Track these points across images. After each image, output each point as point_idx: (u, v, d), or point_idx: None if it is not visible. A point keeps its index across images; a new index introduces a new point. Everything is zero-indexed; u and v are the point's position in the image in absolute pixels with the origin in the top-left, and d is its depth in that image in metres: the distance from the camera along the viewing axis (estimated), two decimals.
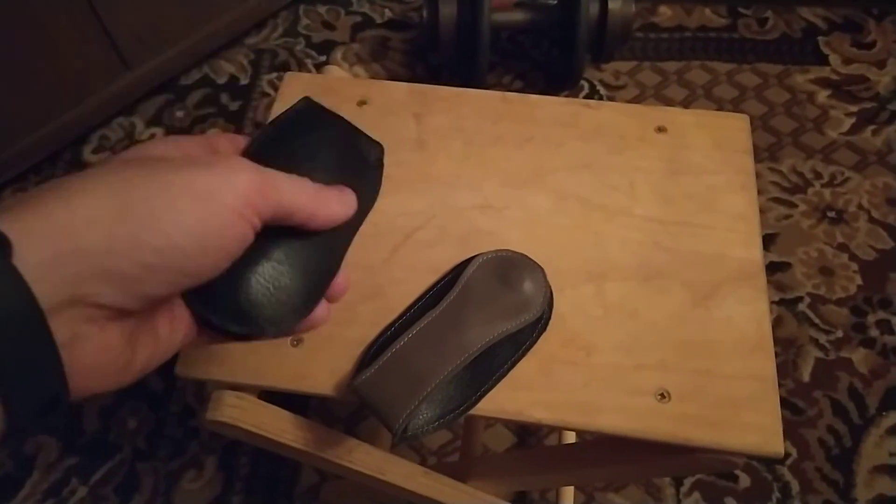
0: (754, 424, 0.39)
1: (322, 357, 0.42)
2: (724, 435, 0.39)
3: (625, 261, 0.45)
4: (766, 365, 0.41)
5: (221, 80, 1.23)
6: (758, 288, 0.44)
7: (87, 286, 0.25)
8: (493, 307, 0.41)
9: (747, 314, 0.43)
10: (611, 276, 0.45)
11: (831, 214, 1.03)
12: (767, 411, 0.39)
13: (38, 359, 0.24)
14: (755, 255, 0.45)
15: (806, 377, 0.89)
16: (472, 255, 0.44)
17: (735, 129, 0.52)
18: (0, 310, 0.22)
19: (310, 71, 1.23)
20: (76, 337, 0.25)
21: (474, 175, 0.49)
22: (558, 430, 0.76)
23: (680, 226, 0.47)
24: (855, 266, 0.98)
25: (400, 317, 0.43)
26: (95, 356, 0.27)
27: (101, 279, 0.25)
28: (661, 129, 0.51)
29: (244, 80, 1.23)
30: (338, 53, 1.26)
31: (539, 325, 0.42)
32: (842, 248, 0.99)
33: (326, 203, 0.34)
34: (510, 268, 0.43)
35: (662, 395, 0.40)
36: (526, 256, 0.43)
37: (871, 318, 0.93)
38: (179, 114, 1.19)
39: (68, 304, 0.24)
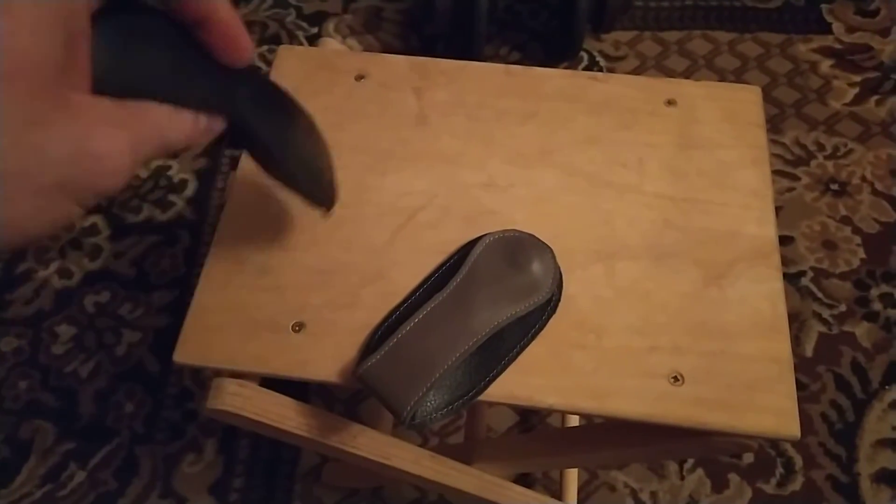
0: (770, 407, 0.38)
1: (324, 343, 0.41)
2: (739, 418, 0.38)
3: (635, 240, 0.44)
4: (782, 346, 0.40)
5: None
6: (772, 266, 0.43)
7: None
8: (500, 289, 0.40)
9: (762, 293, 0.42)
10: (621, 256, 0.43)
11: (834, 187, 1.02)
12: (783, 393, 0.39)
13: None
14: (769, 232, 0.44)
15: (809, 352, 0.88)
16: (478, 235, 0.43)
17: (746, 101, 0.50)
18: None
19: (301, 43, 1.20)
20: None
21: (478, 152, 0.48)
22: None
23: (691, 202, 0.45)
24: (858, 239, 0.97)
25: (404, 300, 0.41)
26: None
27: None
28: (670, 103, 0.50)
29: None
30: (330, 25, 1.23)
31: (548, 307, 0.41)
32: (845, 220, 0.98)
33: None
34: (518, 248, 0.41)
35: (676, 378, 0.39)
36: (534, 236, 0.42)
37: (874, 292, 0.92)
38: None
39: None
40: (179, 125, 0.27)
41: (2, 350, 0.92)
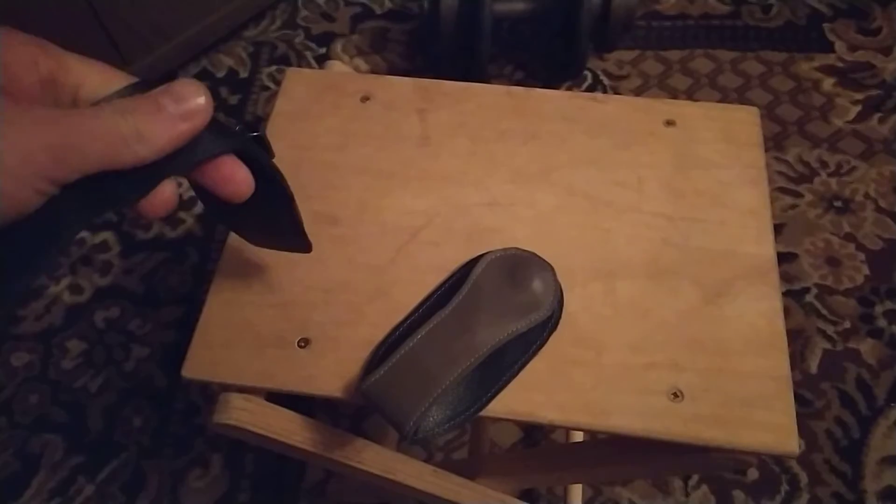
0: (768, 423, 0.39)
1: (329, 358, 0.41)
2: (737, 434, 0.38)
3: (634, 258, 0.45)
4: (780, 363, 0.40)
5: (220, 74, 1.21)
6: (770, 284, 0.43)
7: None
8: (502, 307, 0.41)
9: (760, 311, 0.42)
10: (620, 274, 0.44)
11: (838, 204, 1.02)
12: (781, 410, 0.39)
13: None
14: (767, 250, 0.45)
15: (814, 369, 0.88)
16: (479, 253, 0.44)
17: (744, 121, 0.51)
18: None
19: (310, 64, 1.22)
20: None
21: (480, 172, 0.49)
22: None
23: (690, 222, 0.46)
24: (862, 256, 0.97)
25: (407, 317, 0.42)
26: None
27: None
28: (669, 123, 0.51)
29: (243, 74, 1.21)
30: (337, 45, 1.25)
31: (549, 324, 0.41)
32: (848, 237, 0.99)
33: (155, 137, 0.27)
34: (519, 266, 0.42)
35: (675, 395, 0.40)
36: (535, 254, 0.43)
37: (878, 309, 0.92)
38: None
39: None
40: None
41: (13, 365, 0.94)
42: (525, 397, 0.40)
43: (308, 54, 1.24)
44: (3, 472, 0.86)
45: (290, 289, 0.44)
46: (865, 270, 0.96)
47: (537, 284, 0.42)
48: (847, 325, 0.91)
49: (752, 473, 0.81)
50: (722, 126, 0.50)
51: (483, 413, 0.40)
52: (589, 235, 0.46)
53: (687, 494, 0.80)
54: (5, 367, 0.93)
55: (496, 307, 0.40)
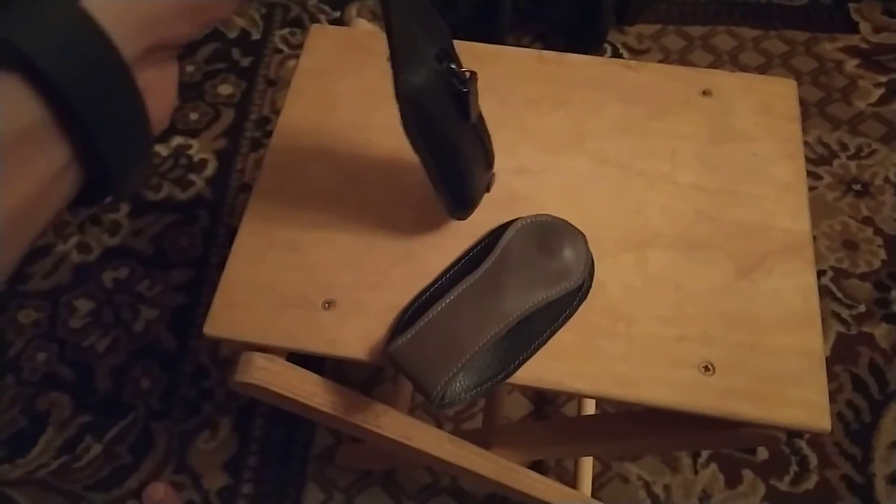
0: (801, 399, 0.38)
1: (354, 321, 0.41)
2: (769, 410, 0.38)
3: (666, 229, 0.44)
4: (814, 340, 0.40)
5: (232, 35, 1.19)
6: (805, 260, 0.42)
7: (163, 28, 0.22)
8: (532, 274, 0.40)
9: (794, 287, 0.41)
10: (652, 245, 0.43)
11: (856, 187, 1.01)
12: (814, 387, 0.38)
13: (124, 115, 0.22)
14: (803, 226, 0.44)
15: (827, 351, 0.87)
16: (508, 219, 0.43)
17: (782, 94, 0.50)
18: (80, 66, 0.20)
19: None
20: (148, 86, 0.23)
21: (510, 138, 0.48)
22: (582, 398, 0.75)
23: (724, 194, 0.45)
24: (879, 240, 0.96)
25: (435, 282, 0.41)
26: (161, 99, 0.25)
27: (177, 16, 0.23)
28: (705, 93, 0.49)
29: (256, 36, 1.19)
30: (352, 9, 1.22)
31: (579, 293, 0.41)
32: (866, 221, 0.97)
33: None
34: (550, 234, 0.41)
35: (707, 368, 0.39)
36: (566, 222, 0.42)
37: (894, 294, 0.91)
38: (189, 68, 1.16)
39: (146, 52, 0.22)
40: None
41: (20, 322, 0.93)
42: (553, 366, 0.39)
43: (322, 18, 1.21)
44: (10, 429, 0.86)
45: (314, 249, 0.43)
46: (882, 255, 0.95)
47: (568, 252, 0.41)
48: (862, 308, 0.91)
49: (762, 453, 0.81)
50: (759, 98, 0.49)
51: (510, 381, 0.39)
52: (621, 205, 0.45)
53: (696, 472, 0.80)
54: (13, 325, 0.93)
55: (526, 274, 0.40)
